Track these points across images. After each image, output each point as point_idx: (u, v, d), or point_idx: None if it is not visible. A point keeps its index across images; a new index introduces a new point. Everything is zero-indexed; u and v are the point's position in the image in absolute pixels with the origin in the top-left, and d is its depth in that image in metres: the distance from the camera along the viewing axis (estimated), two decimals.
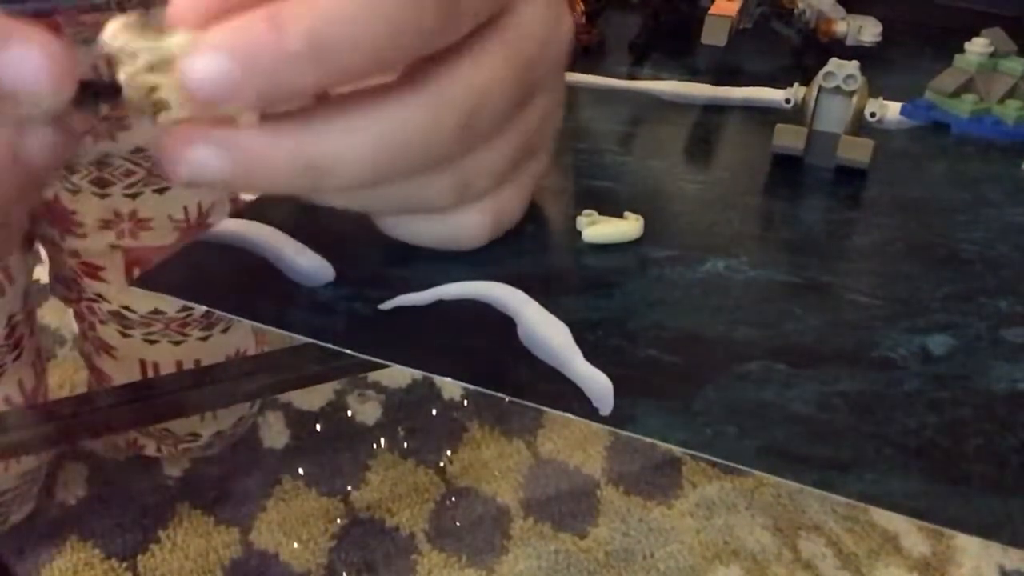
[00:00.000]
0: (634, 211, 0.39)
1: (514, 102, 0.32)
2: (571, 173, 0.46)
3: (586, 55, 0.62)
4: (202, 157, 0.27)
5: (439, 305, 0.34)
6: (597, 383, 0.30)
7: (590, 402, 0.29)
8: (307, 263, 0.37)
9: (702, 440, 0.28)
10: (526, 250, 0.38)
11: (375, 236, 0.37)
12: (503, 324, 0.33)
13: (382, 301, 0.34)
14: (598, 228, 0.38)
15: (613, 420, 0.29)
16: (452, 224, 0.35)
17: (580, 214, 0.39)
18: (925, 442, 0.28)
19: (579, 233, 0.38)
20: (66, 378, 1.28)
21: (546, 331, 0.33)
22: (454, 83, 0.29)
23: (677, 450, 0.29)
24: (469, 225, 0.35)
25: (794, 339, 0.33)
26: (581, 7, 0.61)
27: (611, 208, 0.40)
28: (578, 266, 0.37)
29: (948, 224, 0.41)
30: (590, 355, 0.32)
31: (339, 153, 0.28)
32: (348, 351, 0.32)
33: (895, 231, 0.40)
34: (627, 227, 0.38)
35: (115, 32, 0.27)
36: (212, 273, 0.37)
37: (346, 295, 0.35)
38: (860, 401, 0.30)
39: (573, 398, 0.30)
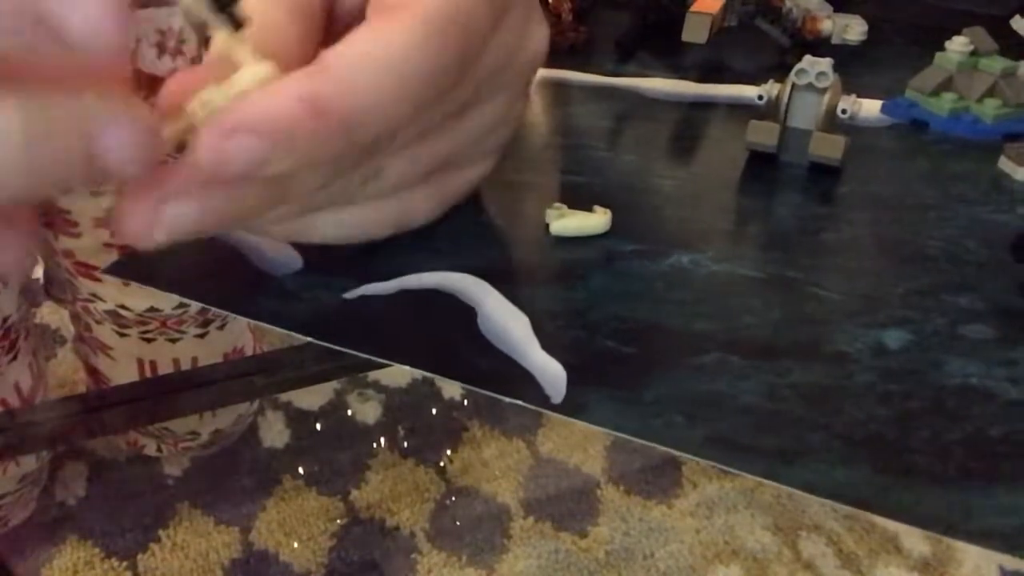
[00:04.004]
0: (606, 206, 0.39)
1: (454, 111, 0.33)
2: (548, 168, 0.46)
3: (573, 53, 0.62)
4: (179, 212, 0.27)
5: (403, 295, 0.35)
6: (551, 372, 0.31)
7: (542, 390, 0.30)
8: (275, 252, 0.37)
9: (650, 429, 0.28)
10: (494, 242, 0.38)
11: None
12: (464, 314, 0.34)
13: (348, 290, 0.35)
14: (565, 221, 0.38)
15: (564, 408, 0.29)
16: (351, 218, 0.34)
17: (550, 207, 0.39)
18: (872, 434, 0.28)
19: (548, 226, 0.39)
20: (66, 378, 1.28)
21: (505, 321, 0.33)
22: None
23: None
24: (368, 219, 0.35)
25: (751, 332, 0.33)
26: (569, 5, 0.61)
27: (584, 202, 0.40)
28: (544, 258, 0.38)
29: (918, 221, 0.41)
30: (548, 345, 0.32)
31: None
32: (310, 338, 0.32)
33: (864, 227, 0.40)
34: (594, 221, 0.39)
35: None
36: (182, 262, 0.37)
37: (312, 284, 0.35)
38: (810, 393, 0.30)
39: (526, 386, 0.30)
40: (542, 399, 0.29)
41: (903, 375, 0.31)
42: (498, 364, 0.31)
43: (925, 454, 0.27)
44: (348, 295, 0.35)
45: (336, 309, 0.34)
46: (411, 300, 0.34)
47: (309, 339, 0.32)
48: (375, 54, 0.27)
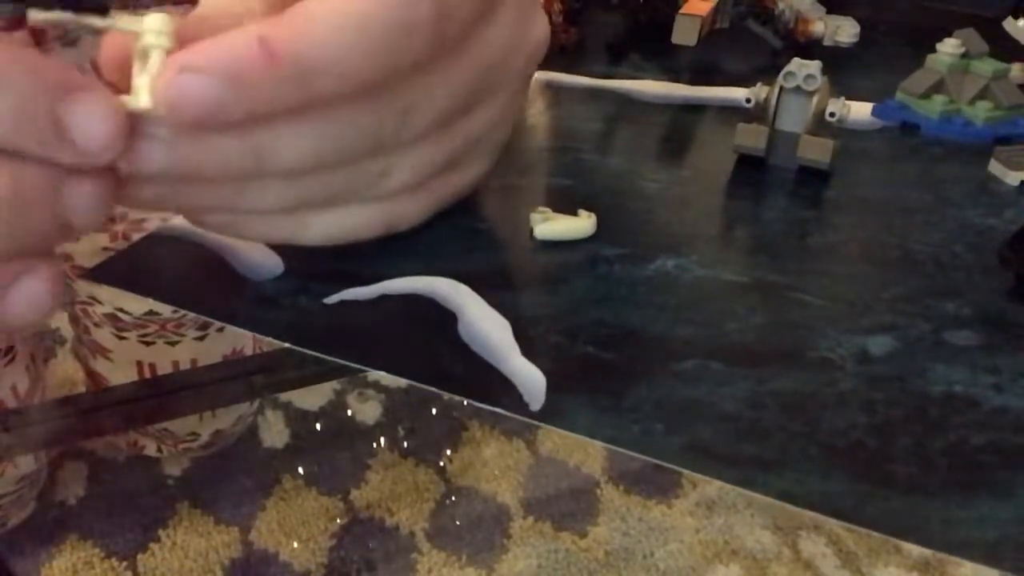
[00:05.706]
0: (592, 210, 0.39)
1: (460, 104, 0.32)
2: (535, 171, 0.46)
3: (564, 54, 0.62)
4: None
5: (383, 300, 0.34)
6: (531, 379, 0.30)
7: (521, 397, 0.30)
8: (256, 257, 0.37)
9: (628, 437, 0.28)
10: (478, 246, 0.38)
11: None
12: (445, 319, 0.33)
13: (328, 295, 0.35)
14: (550, 225, 0.38)
15: (542, 416, 0.29)
16: (341, 218, 0.34)
17: (534, 211, 0.39)
18: (852, 442, 0.28)
19: (532, 230, 0.38)
20: (66, 378, 1.28)
21: (486, 327, 0.33)
22: (403, 84, 0.30)
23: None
24: (359, 222, 0.34)
25: (733, 338, 0.32)
26: (559, 6, 0.61)
27: (570, 206, 0.40)
28: (528, 263, 0.37)
29: (906, 225, 0.41)
30: (528, 351, 0.32)
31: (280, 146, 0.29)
32: (287, 345, 0.32)
33: (851, 232, 0.40)
34: (579, 224, 0.38)
35: None
36: (163, 267, 0.37)
37: (292, 289, 0.35)
38: (791, 400, 0.29)
39: (504, 393, 0.30)
40: (520, 405, 0.29)
41: (886, 382, 0.30)
42: (477, 370, 0.31)
43: (906, 463, 0.27)
44: (328, 300, 0.34)
45: (316, 314, 0.34)
46: (391, 305, 0.34)
47: (287, 345, 0.32)
48: (335, 5, 0.26)
